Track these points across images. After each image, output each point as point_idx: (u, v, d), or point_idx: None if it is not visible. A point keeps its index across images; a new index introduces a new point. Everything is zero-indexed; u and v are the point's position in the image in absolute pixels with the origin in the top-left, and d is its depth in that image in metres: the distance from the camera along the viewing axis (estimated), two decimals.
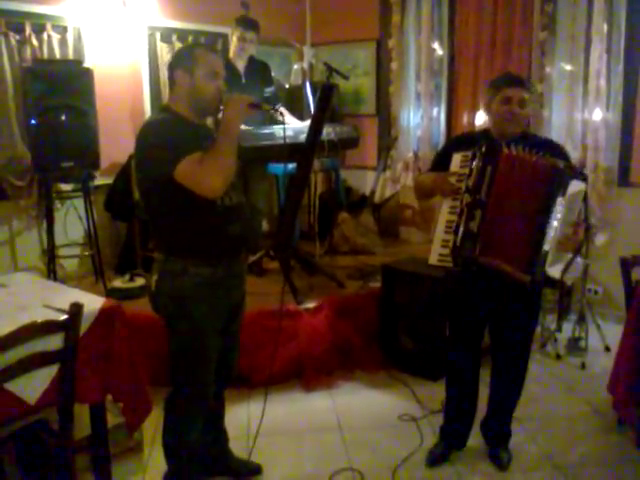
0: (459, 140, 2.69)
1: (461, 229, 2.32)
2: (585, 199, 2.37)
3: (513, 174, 2.29)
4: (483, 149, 2.31)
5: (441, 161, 2.57)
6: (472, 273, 2.43)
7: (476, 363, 2.73)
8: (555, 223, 2.24)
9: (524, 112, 2.42)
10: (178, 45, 4.83)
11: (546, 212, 2.24)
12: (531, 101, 2.46)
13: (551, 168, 2.26)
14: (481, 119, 4.99)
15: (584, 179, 2.32)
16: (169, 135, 2.06)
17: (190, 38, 4.92)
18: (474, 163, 2.32)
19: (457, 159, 2.42)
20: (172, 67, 2.17)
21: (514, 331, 2.61)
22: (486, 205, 2.28)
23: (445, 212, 2.43)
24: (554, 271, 2.33)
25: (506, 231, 2.31)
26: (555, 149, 2.48)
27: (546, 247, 2.25)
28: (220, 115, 2.14)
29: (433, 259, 2.46)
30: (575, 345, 3.96)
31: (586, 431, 3.06)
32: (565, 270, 2.39)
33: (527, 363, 2.69)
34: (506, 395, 2.73)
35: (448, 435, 2.84)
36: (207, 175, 1.98)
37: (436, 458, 2.78)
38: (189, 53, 2.16)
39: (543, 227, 2.24)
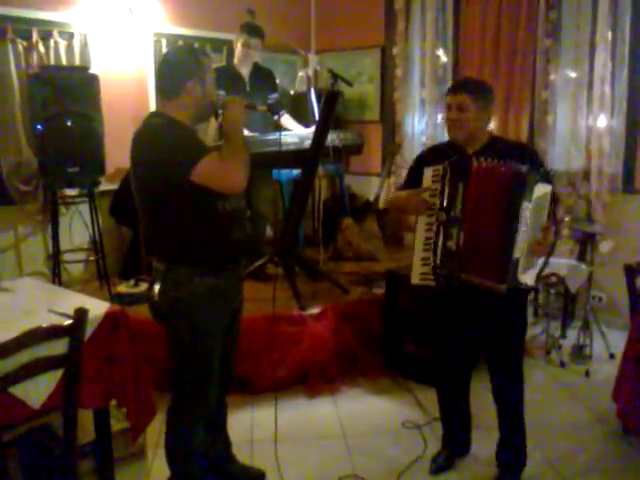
0: (429, 153, 2.64)
1: (439, 248, 2.33)
2: (553, 200, 2.32)
3: (483, 186, 2.28)
4: (453, 165, 2.32)
5: (414, 176, 2.55)
6: (455, 292, 2.42)
7: (462, 379, 2.73)
8: (524, 229, 2.20)
9: (465, 116, 2.37)
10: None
11: (513, 219, 2.19)
12: (476, 101, 2.36)
13: (514, 174, 2.21)
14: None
15: (549, 181, 2.27)
16: (181, 138, 2.07)
17: (195, 44, 4.94)
18: (446, 179, 2.33)
19: (428, 174, 2.41)
20: (180, 78, 2.11)
21: (502, 347, 2.55)
22: (462, 222, 2.29)
23: (422, 229, 2.44)
24: (527, 278, 2.30)
25: (481, 244, 2.29)
26: (523, 150, 2.48)
27: (517, 254, 2.21)
28: (221, 117, 2.14)
29: (415, 278, 2.48)
30: (579, 352, 3.94)
31: (590, 439, 3.05)
32: (538, 277, 2.36)
33: (520, 378, 2.60)
34: (506, 414, 2.64)
35: (449, 442, 2.83)
36: (231, 170, 2.05)
37: (439, 467, 2.78)
38: (196, 62, 2.14)
39: (512, 235, 2.19)
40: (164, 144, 2.03)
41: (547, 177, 2.27)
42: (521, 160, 2.28)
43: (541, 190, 2.21)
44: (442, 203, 2.33)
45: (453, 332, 2.63)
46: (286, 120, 4.43)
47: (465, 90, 2.39)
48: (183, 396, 2.29)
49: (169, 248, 2.17)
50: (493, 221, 2.27)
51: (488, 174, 2.26)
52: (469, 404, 2.80)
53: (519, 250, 2.21)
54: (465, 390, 2.77)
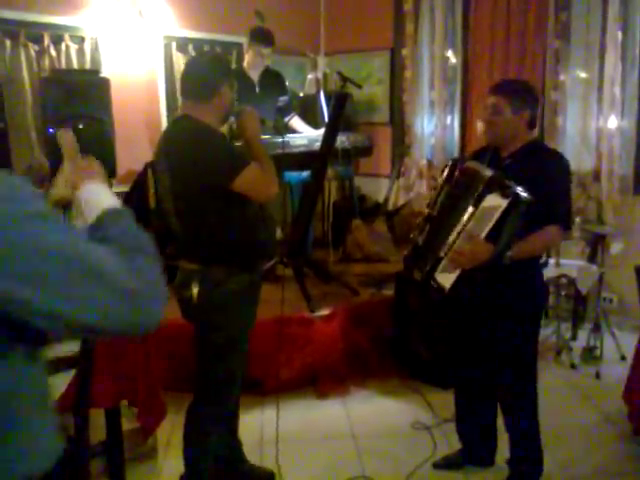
0: (474, 152, 2.68)
1: (413, 242, 2.41)
2: (502, 220, 2.09)
3: (455, 186, 2.30)
4: (450, 166, 2.35)
5: None
6: (468, 294, 2.36)
7: (477, 383, 2.64)
8: (457, 230, 2.16)
9: (497, 119, 2.31)
10: (194, 54, 4.88)
11: (452, 215, 2.19)
12: (512, 104, 2.29)
13: (473, 173, 2.20)
14: None
15: (507, 197, 2.06)
16: (223, 146, 2.18)
17: (205, 47, 4.97)
18: (443, 178, 2.38)
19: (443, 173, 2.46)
20: (217, 81, 2.17)
21: (510, 355, 2.46)
22: (433, 220, 2.34)
23: None
24: (444, 279, 2.23)
25: (432, 238, 2.32)
26: (546, 164, 2.29)
27: (441, 253, 2.20)
28: (234, 125, 2.21)
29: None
30: (590, 354, 3.93)
31: (601, 441, 3.04)
32: (454, 287, 2.21)
33: (530, 390, 2.51)
34: (511, 424, 2.56)
35: (463, 450, 2.80)
36: (269, 182, 2.20)
37: (445, 464, 2.78)
38: (228, 68, 2.30)
39: (445, 230, 2.20)
40: (209, 150, 2.11)
41: (505, 193, 2.07)
42: (536, 172, 2.21)
43: (493, 202, 2.08)
44: (431, 201, 2.40)
45: (467, 334, 2.61)
46: (296, 122, 4.45)
47: (501, 92, 2.33)
48: (209, 395, 2.32)
49: (207, 249, 2.22)
50: (445, 218, 2.28)
51: (462, 174, 2.28)
52: (493, 416, 2.69)
53: (445, 250, 2.19)
54: (482, 397, 2.67)
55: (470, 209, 2.12)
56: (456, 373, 2.76)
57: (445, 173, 2.37)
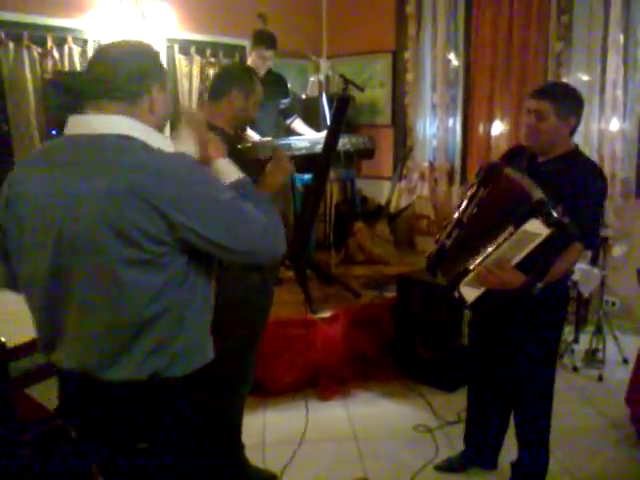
0: (508, 151, 2.55)
1: (438, 243, 2.30)
2: (539, 249, 1.99)
3: (495, 195, 2.15)
4: (487, 169, 2.23)
5: None
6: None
7: (492, 385, 2.62)
8: (491, 248, 2.06)
9: (543, 124, 2.19)
10: (196, 57, 4.89)
11: (488, 228, 2.08)
12: (557, 110, 2.17)
13: (520, 192, 2.04)
14: (497, 129, 5.00)
15: (550, 225, 1.95)
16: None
17: (208, 50, 4.98)
18: (478, 181, 2.24)
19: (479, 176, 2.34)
20: (228, 83, 2.26)
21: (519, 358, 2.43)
22: (464, 226, 2.21)
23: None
24: (467, 293, 2.17)
25: (467, 248, 2.19)
26: (581, 178, 2.18)
27: (470, 266, 2.11)
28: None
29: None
30: (592, 357, 3.92)
31: (603, 444, 3.03)
32: (474, 303, 2.17)
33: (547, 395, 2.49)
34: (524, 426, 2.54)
35: (468, 451, 2.80)
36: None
37: (448, 466, 2.78)
38: (249, 78, 2.30)
39: (479, 243, 2.09)
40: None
41: (550, 222, 1.95)
42: (573, 184, 2.12)
43: (534, 227, 1.97)
44: (463, 204, 2.26)
45: (487, 337, 2.59)
46: (298, 125, 4.45)
47: (547, 96, 2.19)
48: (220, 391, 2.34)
49: None
50: (480, 228, 2.16)
51: (505, 184, 2.14)
52: (506, 418, 2.66)
53: (475, 264, 2.10)
54: (497, 399, 2.65)
55: (509, 229, 2.00)
56: (473, 373, 2.72)
57: (480, 176, 2.23)
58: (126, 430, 1.41)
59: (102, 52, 1.43)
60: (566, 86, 2.39)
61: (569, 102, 2.21)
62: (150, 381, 1.36)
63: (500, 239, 2.03)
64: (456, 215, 2.25)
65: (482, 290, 2.14)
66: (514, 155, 2.41)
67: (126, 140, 1.34)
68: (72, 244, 1.31)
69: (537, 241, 1.97)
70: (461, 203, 2.27)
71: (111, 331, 1.35)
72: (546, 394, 2.47)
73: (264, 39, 4.21)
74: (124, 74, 1.37)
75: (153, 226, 1.28)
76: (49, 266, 1.34)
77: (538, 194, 2.00)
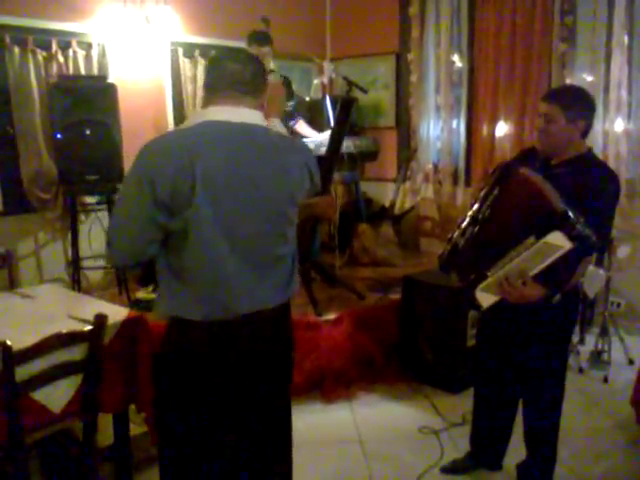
0: (521, 152, 2.56)
1: (452, 241, 2.26)
2: (559, 261, 1.99)
3: (512, 196, 2.13)
4: (502, 168, 2.22)
5: None
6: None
7: (499, 386, 2.62)
8: (510, 256, 2.05)
9: (552, 127, 2.21)
10: (200, 60, 4.90)
11: (508, 235, 2.07)
12: (567, 113, 2.18)
13: (542, 200, 2.02)
14: (501, 130, 4.99)
15: (572, 239, 1.94)
16: None
17: (212, 53, 4.99)
18: (492, 180, 2.22)
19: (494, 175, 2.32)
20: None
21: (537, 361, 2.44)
22: (477, 223, 2.19)
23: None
24: (483, 298, 2.16)
25: (477, 247, 2.18)
26: (594, 183, 2.16)
27: (490, 272, 2.10)
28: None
29: None
30: (598, 358, 3.91)
31: (609, 446, 3.02)
32: (491, 308, 2.17)
33: (556, 398, 2.52)
34: (534, 436, 2.54)
35: (475, 454, 2.79)
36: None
37: (453, 468, 2.78)
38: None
39: (499, 251, 2.08)
40: None
41: (573, 236, 1.94)
42: (587, 187, 2.11)
43: (556, 240, 1.96)
44: (477, 202, 2.24)
45: (496, 340, 2.58)
46: (301, 127, 4.46)
47: (556, 100, 2.22)
48: None
49: None
50: (498, 232, 2.15)
51: (523, 187, 2.11)
52: (512, 419, 2.67)
53: (493, 270, 2.10)
54: (504, 399, 2.64)
55: (530, 239, 1.99)
56: (479, 374, 2.72)
57: (496, 176, 2.21)
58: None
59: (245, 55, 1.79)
60: (577, 90, 2.38)
61: (578, 105, 2.23)
62: None
63: (520, 248, 2.02)
64: (470, 214, 2.23)
65: (498, 297, 2.14)
66: (527, 157, 2.41)
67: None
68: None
69: (558, 253, 1.97)
70: (475, 202, 2.26)
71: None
72: (557, 394, 2.49)
73: (256, 37, 4.20)
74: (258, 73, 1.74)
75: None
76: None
77: (561, 205, 1.98)
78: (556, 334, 2.39)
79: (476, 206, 2.21)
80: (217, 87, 1.71)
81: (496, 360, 2.59)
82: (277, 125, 1.68)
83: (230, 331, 1.71)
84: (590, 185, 2.15)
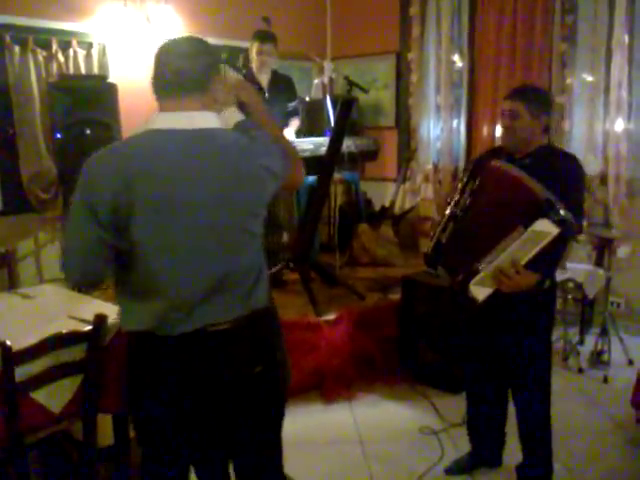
0: (486, 153, 2.61)
1: (434, 239, 2.31)
2: (547, 248, 2.03)
3: (491, 188, 2.19)
4: (476, 163, 2.31)
5: None
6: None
7: (489, 385, 2.65)
8: (500, 248, 2.09)
9: (516, 124, 2.31)
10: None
11: (500, 232, 2.10)
12: (529, 109, 2.30)
13: (529, 194, 2.07)
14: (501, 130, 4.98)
15: (558, 224, 2.00)
16: None
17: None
18: (467, 175, 2.30)
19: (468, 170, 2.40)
20: None
21: (523, 358, 2.48)
22: (458, 218, 2.25)
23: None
24: (478, 292, 2.18)
25: (463, 241, 2.24)
26: (562, 167, 2.29)
27: (481, 265, 2.13)
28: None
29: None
30: (597, 358, 3.91)
31: (609, 446, 3.02)
32: (486, 300, 2.19)
33: (544, 393, 2.53)
34: (528, 433, 2.57)
35: (474, 453, 2.80)
36: (298, 165, 2.00)
37: (455, 468, 2.78)
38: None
39: (489, 244, 2.12)
40: None
41: (559, 221, 2.00)
42: (555, 173, 2.19)
43: (543, 227, 2.02)
44: (454, 198, 2.30)
45: (482, 338, 2.60)
46: (288, 129, 4.38)
47: (519, 97, 2.34)
48: None
49: None
50: (481, 224, 2.20)
51: (504, 178, 2.19)
52: (502, 417, 2.71)
53: (485, 263, 2.13)
54: (494, 398, 2.67)
55: (519, 229, 2.04)
56: (469, 373, 2.75)
57: (469, 170, 2.29)
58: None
59: (173, 48, 1.59)
60: (536, 88, 2.53)
61: (540, 101, 2.35)
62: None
63: (509, 239, 2.07)
64: (448, 210, 2.29)
65: (493, 289, 2.17)
66: (495, 153, 2.48)
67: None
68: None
69: (547, 240, 2.02)
70: (452, 197, 2.32)
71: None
72: (542, 386, 2.50)
73: (259, 34, 4.21)
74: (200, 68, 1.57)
75: None
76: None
77: (544, 193, 2.05)
78: (537, 321, 2.45)
79: (454, 200, 2.28)
80: (159, 88, 1.59)
81: (482, 354, 2.61)
82: (234, 114, 1.51)
83: (180, 346, 1.62)
84: (558, 170, 2.26)
